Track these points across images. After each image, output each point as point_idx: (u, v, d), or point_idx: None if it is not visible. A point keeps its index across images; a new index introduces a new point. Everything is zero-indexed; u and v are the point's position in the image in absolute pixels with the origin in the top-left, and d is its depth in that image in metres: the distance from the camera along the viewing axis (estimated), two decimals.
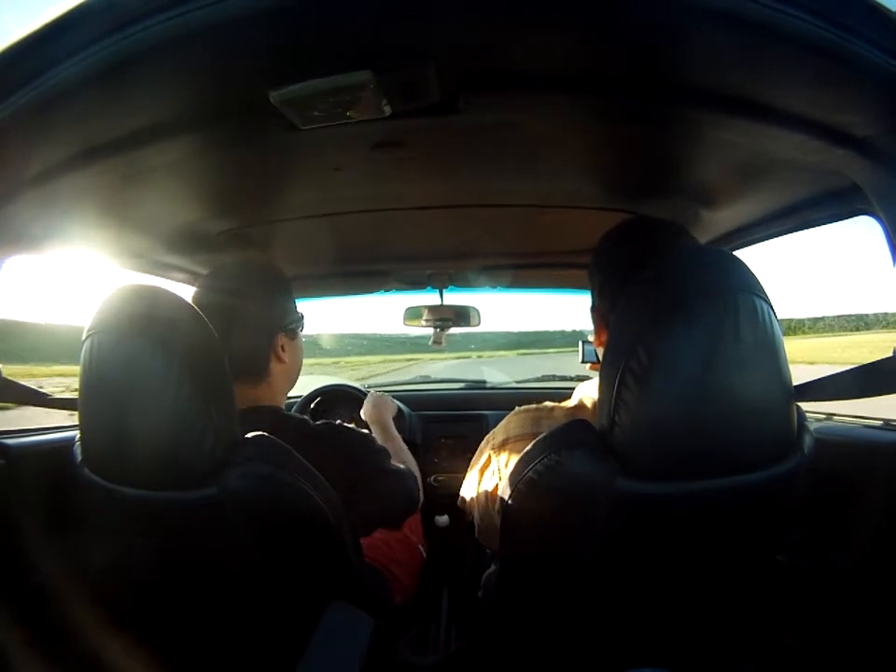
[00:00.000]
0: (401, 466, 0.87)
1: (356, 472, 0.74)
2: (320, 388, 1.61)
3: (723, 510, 0.48)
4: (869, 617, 0.69)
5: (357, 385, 1.67)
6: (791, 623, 0.74)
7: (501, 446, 0.66)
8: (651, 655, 0.56)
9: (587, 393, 0.67)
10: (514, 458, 0.62)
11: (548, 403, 0.67)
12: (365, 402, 1.18)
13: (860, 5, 0.39)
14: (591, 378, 0.72)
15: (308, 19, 0.39)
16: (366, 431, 0.85)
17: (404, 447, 1.06)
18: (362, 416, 1.17)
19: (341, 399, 1.62)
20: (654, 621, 0.55)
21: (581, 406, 0.66)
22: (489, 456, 0.69)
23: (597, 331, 0.70)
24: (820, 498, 0.76)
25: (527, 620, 0.58)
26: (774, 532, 0.54)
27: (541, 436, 0.51)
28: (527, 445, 0.61)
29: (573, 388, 0.72)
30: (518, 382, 2.11)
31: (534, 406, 0.67)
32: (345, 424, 0.80)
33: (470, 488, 0.74)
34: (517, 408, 0.68)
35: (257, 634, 0.68)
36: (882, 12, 0.39)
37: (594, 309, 0.70)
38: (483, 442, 0.73)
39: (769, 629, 0.74)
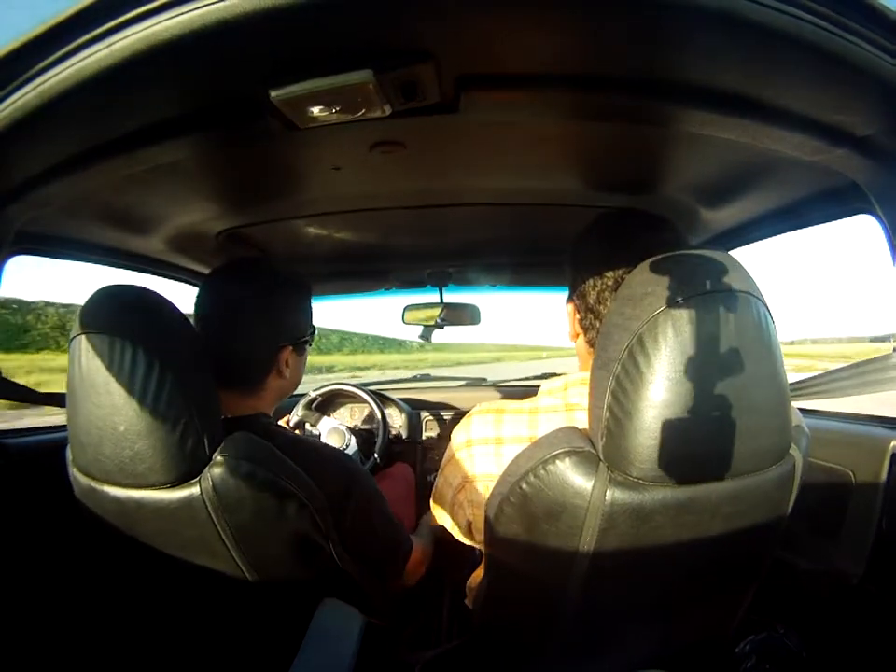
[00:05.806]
0: (392, 515, 0.81)
1: (340, 493, 0.69)
2: (321, 388, 1.61)
3: (720, 514, 0.48)
4: (869, 615, 0.70)
5: (357, 385, 1.67)
6: (790, 622, 0.75)
7: (465, 446, 0.65)
8: (649, 657, 0.56)
9: (550, 388, 0.64)
10: (482, 461, 0.62)
11: (509, 403, 0.65)
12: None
13: (860, 5, 0.39)
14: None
15: (308, 18, 0.38)
16: (355, 458, 0.81)
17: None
18: None
19: (341, 401, 1.62)
20: (651, 623, 0.55)
21: (541, 403, 0.63)
22: (452, 455, 0.68)
23: (571, 325, 0.68)
24: (818, 495, 0.76)
25: (519, 625, 0.58)
26: (771, 533, 0.54)
27: (529, 445, 0.50)
28: (490, 447, 0.61)
29: None
30: (518, 379, 2.10)
31: (495, 406, 0.65)
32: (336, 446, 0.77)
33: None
34: (478, 406, 0.67)
35: (249, 632, 0.68)
36: (882, 12, 0.39)
37: (568, 301, 0.68)
38: (451, 439, 0.70)
39: (769, 628, 0.74)
